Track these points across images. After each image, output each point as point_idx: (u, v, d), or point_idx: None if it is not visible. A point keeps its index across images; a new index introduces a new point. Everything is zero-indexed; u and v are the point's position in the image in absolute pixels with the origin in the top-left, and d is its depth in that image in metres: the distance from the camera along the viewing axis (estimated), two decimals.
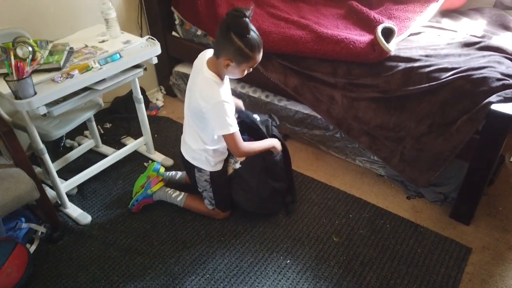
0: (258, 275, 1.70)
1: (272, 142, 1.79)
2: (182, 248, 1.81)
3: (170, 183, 2.07)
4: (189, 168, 1.83)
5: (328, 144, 2.27)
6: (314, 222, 1.92)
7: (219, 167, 1.79)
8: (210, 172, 1.78)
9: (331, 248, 1.80)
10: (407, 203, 2.02)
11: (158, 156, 2.32)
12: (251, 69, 1.59)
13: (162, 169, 2.07)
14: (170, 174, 2.11)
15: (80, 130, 2.43)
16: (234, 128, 1.59)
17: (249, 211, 1.91)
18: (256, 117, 1.89)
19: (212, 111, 1.55)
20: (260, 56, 1.54)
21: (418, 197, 2.04)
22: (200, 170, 1.79)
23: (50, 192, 1.96)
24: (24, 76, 1.46)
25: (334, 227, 1.89)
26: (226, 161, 1.85)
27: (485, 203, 1.97)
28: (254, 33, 1.47)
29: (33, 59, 1.57)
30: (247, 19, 1.42)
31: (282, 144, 1.87)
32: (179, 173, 2.11)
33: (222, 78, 1.60)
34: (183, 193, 1.97)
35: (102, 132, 2.51)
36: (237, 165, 1.83)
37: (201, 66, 1.60)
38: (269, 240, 1.84)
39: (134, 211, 1.98)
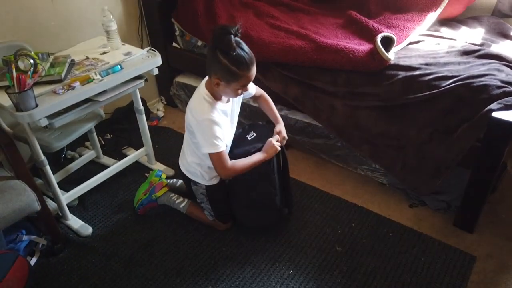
0: (261, 286, 1.68)
1: (265, 155, 1.66)
2: (184, 259, 1.80)
3: (171, 191, 2.07)
4: (186, 180, 1.84)
5: (329, 153, 2.26)
6: (317, 231, 1.91)
7: (214, 181, 1.78)
8: (206, 186, 1.77)
9: (334, 257, 1.78)
10: (409, 211, 2.01)
11: (159, 167, 2.32)
12: (247, 87, 1.54)
13: (163, 175, 2.09)
14: (171, 181, 2.12)
15: (81, 141, 2.44)
16: (220, 148, 1.54)
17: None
18: (252, 134, 1.83)
19: (198, 127, 1.55)
20: (251, 74, 1.47)
21: (420, 205, 2.03)
22: (195, 183, 1.79)
23: (51, 204, 1.96)
24: (25, 89, 1.47)
25: (336, 237, 1.88)
26: None
27: (488, 210, 1.96)
28: (241, 50, 1.42)
29: (34, 72, 1.58)
30: (231, 36, 1.38)
31: (282, 152, 1.77)
32: (180, 181, 2.11)
33: (217, 98, 1.58)
34: (186, 200, 1.97)
35: (103, 143, 2.51)
36: None
37: (201, 83, 1.62)
38: (271, 250, 1.83)
39: (140, 213, 2.01)
